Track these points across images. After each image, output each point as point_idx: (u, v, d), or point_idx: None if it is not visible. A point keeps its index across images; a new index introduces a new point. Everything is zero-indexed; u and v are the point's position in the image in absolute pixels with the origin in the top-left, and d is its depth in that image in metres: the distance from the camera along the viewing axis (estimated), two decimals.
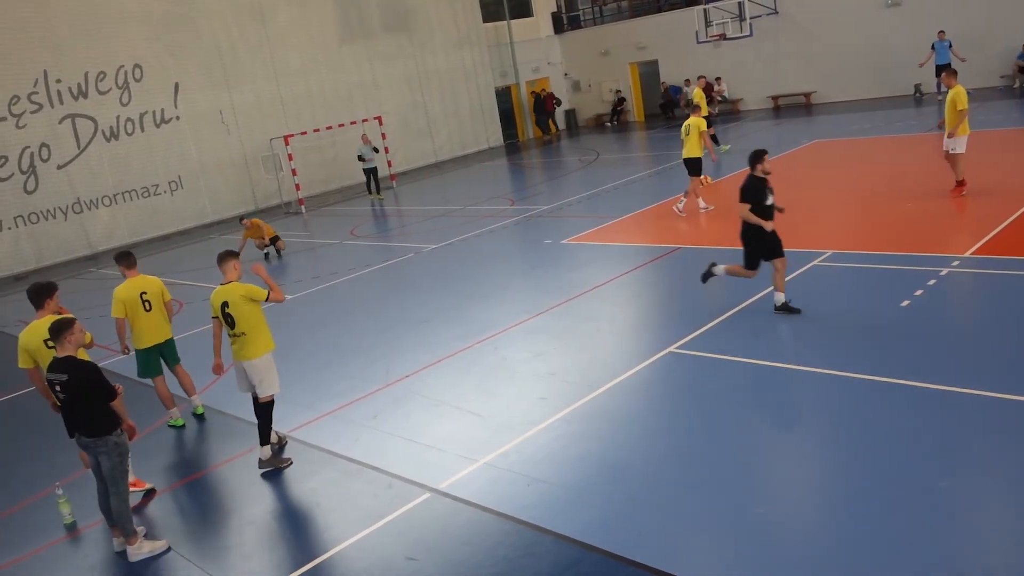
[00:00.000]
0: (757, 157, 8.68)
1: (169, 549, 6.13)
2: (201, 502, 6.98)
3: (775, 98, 27.41)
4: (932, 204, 12.17)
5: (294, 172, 22.75)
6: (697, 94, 18.83)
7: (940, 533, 4.85)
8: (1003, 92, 22.03)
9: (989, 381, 6.51)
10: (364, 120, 24.72)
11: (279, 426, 7.60)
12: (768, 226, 8.52)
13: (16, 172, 19.97)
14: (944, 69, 21.89)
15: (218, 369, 7.49)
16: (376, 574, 5.38)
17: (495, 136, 30.84)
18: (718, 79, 27.20)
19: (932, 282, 8.86)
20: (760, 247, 8.68)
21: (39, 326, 6.71)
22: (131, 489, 6.44)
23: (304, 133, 23.85)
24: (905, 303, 8.40)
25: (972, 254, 9.64)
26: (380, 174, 23.05)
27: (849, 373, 7.10)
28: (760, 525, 5.20)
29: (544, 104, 31.33)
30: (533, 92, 31.86)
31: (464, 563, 5.31)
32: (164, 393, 8.46)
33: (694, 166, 14.18)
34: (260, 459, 7.19)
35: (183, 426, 8.51)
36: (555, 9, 33.48)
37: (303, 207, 22.53)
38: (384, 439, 7.37)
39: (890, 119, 20.87)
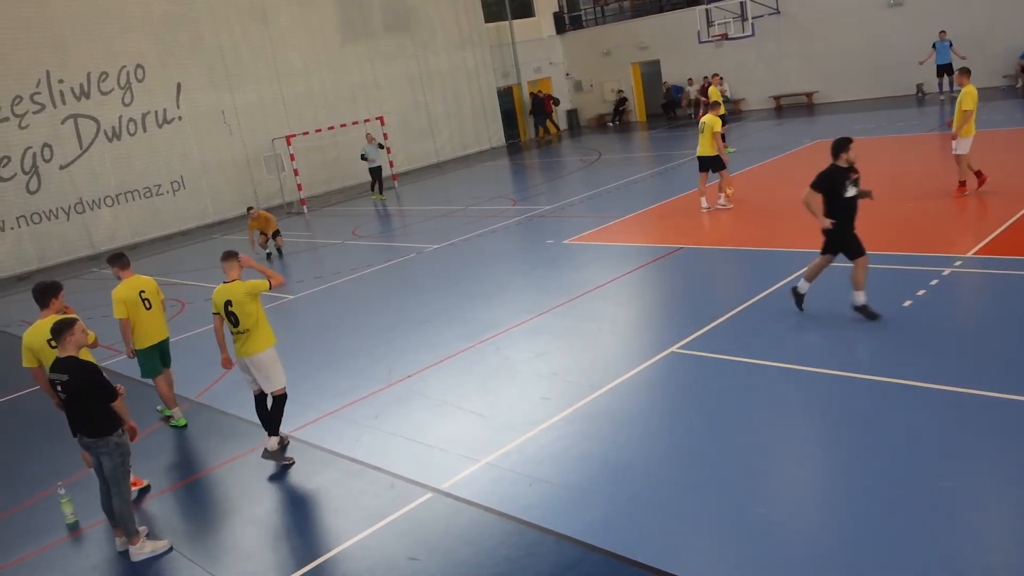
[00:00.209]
0: (841, 146, 7.98)
1: (171, 549, 6.14)
2: (203, 502, 6.99)
3: (777, 98, 27.39)
4: (934, 204, 12.17)
5: (296, 172, 22.76)
6: (713, 92, 18.81)
7: (940, 533, 4.85)
8: (1006, 92, 22.01)
9: (991, 381, 6.51)
10: (366, 120, 24.73)
11: (281, 425, 7.61)
12: (825, 223, 7.98)
13: (19, 172, 20.00)
14: (945, 69, 22.10)
15: (227, 363, 7.55)
16: (378, 574, 5.39)
17: (497, 136, 30.85)
18: (720, 78, 27.15)
19: (934, 282, 8.85)
20: (837, 237, 8.07)
21: (43, 325, 6.72)
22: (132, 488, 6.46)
23: (306, 133, 23.88)
24: (907, 303, 8.40)
25: (974, 254, 9.64)
26: (383, 174, 23.07)
27: (851, 373, 7.10)
28: (761, 525, 5.20)
29: (543, 105, 31.28)
30: (531, 93, 31.83)
31: (466, 563, 5.32)
32: (165, 392, 8.47)
33: (708, 163, 14.13)
34: (266, 448, 7.22)
35: (185, 426, 8.52)
36: (557, 9, 33.48)
37: (305, 207, 22.56)
38: (386, 439, 7.38)
39: (892, 119, 20.86)
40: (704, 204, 14.10)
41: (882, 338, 7.72)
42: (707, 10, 27.01)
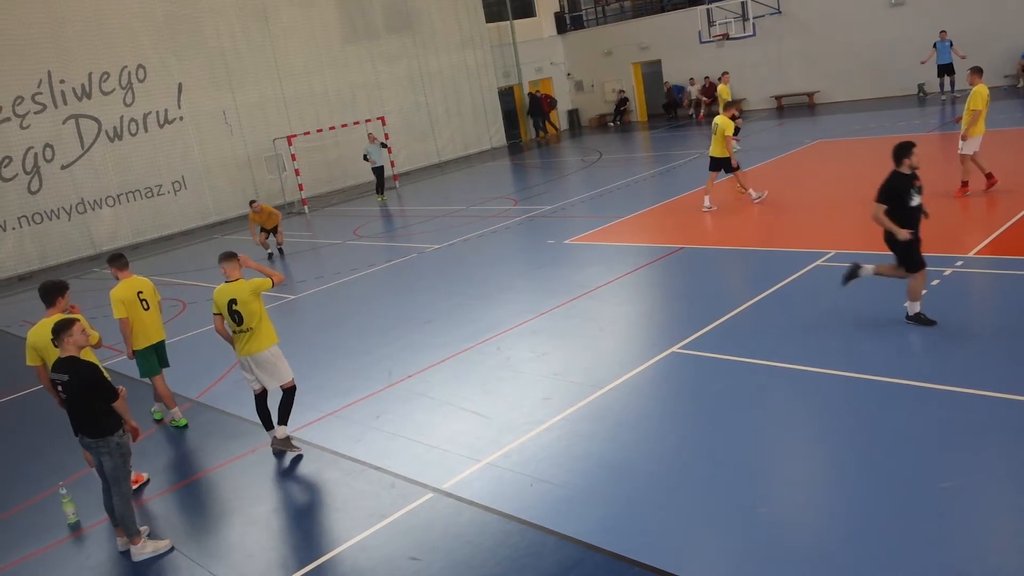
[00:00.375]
0: (904, 151, 7.42)
1: (172, 549, 6.14)
2: (204, 502, 6.99)
3: (778, 98, 27.38)
4: (936, 204, 12.09)
5: (297, 172, 22.77)
6: (723, 90, 18.67)
7: (941, 533, 4.84)
8: (1007, 92, 21.99)
9: (992, 381, 6.50)
10: (367, 120, 24.75)
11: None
12: (903, 234, 7.36)
13: (20, 172, 20.02)
14: (945, 69, 22.10)
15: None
16: (379, 573, 5.39)
17: (498, 136, 30.84)
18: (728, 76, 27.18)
19: (936, 282, 8.84)
20: (904, 247, 7.52)
21: (48, 324, 6.70)
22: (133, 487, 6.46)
23: (307, 133, 23.89)
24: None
25: (976, 254, 9.63)
26: (384, 174, 23.07)
27: (851, 373, 7.10)
28: (763, 525, 5.20)
29: (540, 104, 31.24)
30: (529, 93, 31.78)
31: (467, 563, 5.32)
32: (164, 392, 8.47)
33: (719, 164, 14.08)
34: (275, 438, 7.32)
35: (186, 426, 8.53)
36: (558, 9, 33.47)
37: (306, 207, 22.56)
38: (387, 439, 7.38)
39: (894, 119, 20.85)
40: (706, 203, 14.09)
41: (884, 338, 7.72)
42: (708, 10, 27.01)
